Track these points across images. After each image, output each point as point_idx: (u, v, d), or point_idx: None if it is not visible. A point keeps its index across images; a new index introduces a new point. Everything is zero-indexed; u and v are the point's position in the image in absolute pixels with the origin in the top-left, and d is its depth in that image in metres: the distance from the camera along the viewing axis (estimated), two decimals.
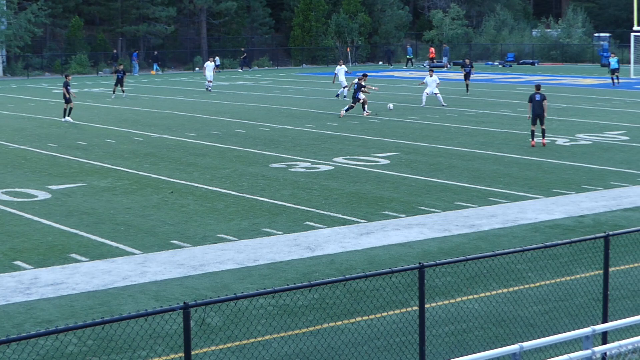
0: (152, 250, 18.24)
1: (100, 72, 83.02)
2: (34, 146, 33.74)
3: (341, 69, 54.57)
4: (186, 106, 49.73)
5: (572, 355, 9.23)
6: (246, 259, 17.50)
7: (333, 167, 28.20)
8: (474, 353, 9.24)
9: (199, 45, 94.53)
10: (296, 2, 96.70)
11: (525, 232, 19.64)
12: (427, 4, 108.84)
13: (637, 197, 23.27)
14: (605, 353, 10.27)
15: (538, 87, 33.71)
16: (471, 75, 56.36)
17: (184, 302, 8.79)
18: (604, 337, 11.65)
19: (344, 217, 21.16)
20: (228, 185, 25.38)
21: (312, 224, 20.47)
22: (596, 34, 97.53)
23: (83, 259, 17.60)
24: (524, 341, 9.39)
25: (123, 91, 55.83)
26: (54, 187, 25.24)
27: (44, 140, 35.31)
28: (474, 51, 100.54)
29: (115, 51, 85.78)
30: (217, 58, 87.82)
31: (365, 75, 45.47)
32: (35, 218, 21.27)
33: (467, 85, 55.26)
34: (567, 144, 33.18)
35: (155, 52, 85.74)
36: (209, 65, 60.47)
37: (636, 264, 16.80)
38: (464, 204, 22.48)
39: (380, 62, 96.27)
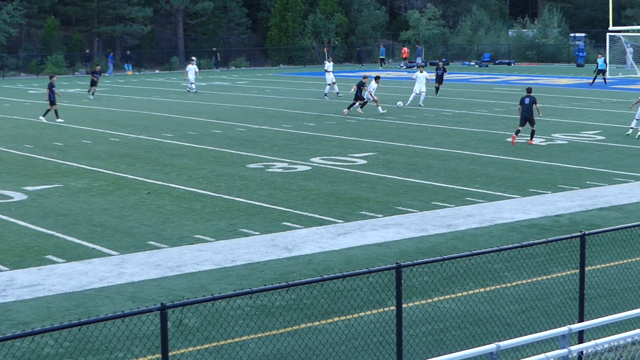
0: (129, 251, 18.19)
1: (76, 73, 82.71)
2: (10, 147, 33.57)
3: (330, 65, 54.30)
4: (163, 106, 49.62)
5: (548, 354, 9.25)
6: (223, 260, 17.48)
7: (310, 168, 28.20)
8: (451, 352, 9.25)
9: (175, 46, 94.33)
10: (273, 2, 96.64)
11: (502, 232, 19.70)
12: (404, 4, 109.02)
13: (613, 197, 23.39)
14: (581, 352, 10.30)
15: (529, 90, 34.24)
16: (443, 79, 54.76)
17: (161, 303, 8.77)
18: (580, 336, 11.70)
19: (321, 217, 21.17)
20: (205, 185, 25.34)
21: (289, 224, 20.46)
22: (572, 34, 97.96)
23: (59, 260, 17.53)
24: (500, 340, 9.41)
25: (93, 92, 55.30)
26: (29, 188, 25.13)
27: (20, 141, 35.15)
28: (450, 51, 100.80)
29: (88, 51, 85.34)
30: (194, 59, 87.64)
31: (378, 78, 45.59)
32: (11, 219, 21.17)
33: (437, 88, 53.54)
34: (544, 143, 33.31)
35: (128, 52, 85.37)
36: (191, 67, 60.13)
37: (612, 263, 16.88)
38: (441, 204, 22.53)
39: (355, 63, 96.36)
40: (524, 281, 15.77)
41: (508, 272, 16.25)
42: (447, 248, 18.24)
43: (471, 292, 15.16)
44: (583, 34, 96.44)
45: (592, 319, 11.26)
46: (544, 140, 34.18)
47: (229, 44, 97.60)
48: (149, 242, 18.86)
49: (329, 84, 53.27)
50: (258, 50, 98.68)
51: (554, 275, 16.08)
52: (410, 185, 25.22)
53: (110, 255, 17.91)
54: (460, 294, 15.05)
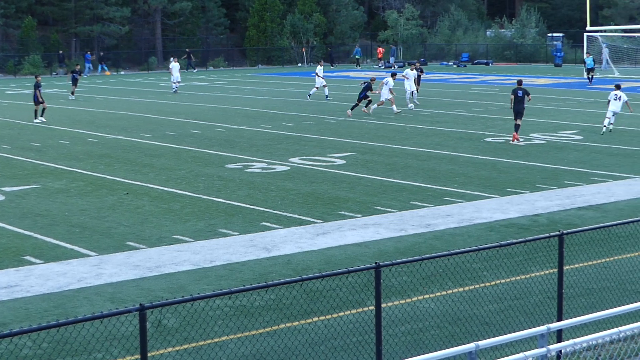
0: (107, 251, 18.13)
1: (54, 73, 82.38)
2: None
3: (321, 69, 54.09)
4: (141, 107, 49.50)
5: (527, 353, 9.28)
6: (202, 260, 17.45)
7: (289, 168, 28.19)
8: (430, 352, 9.27)
9: (153, 46, 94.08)
10: (251, 2, 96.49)
11: (480, 232, 19.74)
12: (382, 4, 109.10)
13: (590, 196, 23.49)
14: (560, 351, 10.34)
15: (520, 82, 34.78)
16: (420, 79, 54.14)
17: (140, 304, 8.75)
18: (559, 335, 11.74)
19: (300, 217, 21.17)
20: (184, 186, 25.30)
21: (268, 224, 20.45)
22: (549, 34, 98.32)
23: (37, 261, 17.45)
24: (479, 340, 9.43)
25: (72, 92, 55.06)
26: (7, 189, 25.01)
27: None
28: (428, 51, 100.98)
29: (61, 52, 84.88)
30: (172, 59, 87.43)
31: (394, 75, 45.63)
32: None
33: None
34: (522, 143, 33.40)
35: (102, 53, 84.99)
36: (175, 66, 59.87)
37: (590, 263, 16.95)
38: (420, 204, 22.57)
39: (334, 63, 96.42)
40: (503, 280, 15.81)
41: (487, 272, 16.29)
42: (425, 248, 18.27)
43: (450, 291, 15.19)
44: (561, 34, 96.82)
45: (571, 318, 11.30)
46: (522, 139, 34.26)
47: (207, 44, 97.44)
48: (127, 243, 18.81)
49: (317, 87, 52.93)
50: (236, 51, 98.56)
51: (533, 274, 16.13)
52: (389, 185, 25.25)
53: (88, 256, 17.86)
54: (439, 294, 15.07)
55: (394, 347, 12.59)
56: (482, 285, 15.57)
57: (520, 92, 33.98)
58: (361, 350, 12.35)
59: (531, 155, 30.37)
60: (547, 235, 12.13)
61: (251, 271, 16.74)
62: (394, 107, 43.91)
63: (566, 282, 12.96)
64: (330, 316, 13.66)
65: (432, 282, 15.54)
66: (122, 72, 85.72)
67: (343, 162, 29.26)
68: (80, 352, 12.31)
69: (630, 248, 17.91)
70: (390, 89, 43.95)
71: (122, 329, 11.88)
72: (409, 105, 45.83)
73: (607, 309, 11.01)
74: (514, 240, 12.07)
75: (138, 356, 9.08)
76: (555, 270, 12.29)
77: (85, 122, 41.75)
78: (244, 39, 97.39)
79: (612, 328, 10.13)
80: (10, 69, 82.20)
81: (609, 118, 36.32)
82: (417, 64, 55.40)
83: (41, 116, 42.58)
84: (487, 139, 34.54)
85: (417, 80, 52.81)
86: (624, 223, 13.45)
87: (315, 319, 13.70)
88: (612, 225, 13.39)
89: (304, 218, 21.07)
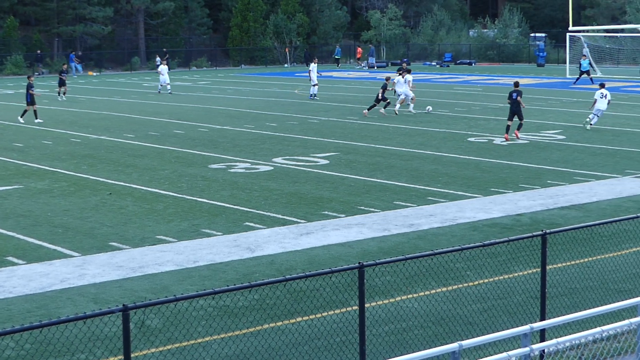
0: (90, 252, 18.09)
1: (36, 73, 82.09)
2: None
3: (315, 67, 53.92)
4: (124, 107, 49.39)
5: (510, 353, 9.30)
6: (186, 260, 17.42)
7: (272, 168, 28.18)
8: (413, 352, 9.27)
9: (136, 46, 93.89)
10: (234, 2, 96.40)
11: (463, 231, 19.78)
12: (365, 4, 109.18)
13: (573, 196, 23.56)
14: (543, 350, 10.38)
15: (516, 84, 35.43)
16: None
17: (123, 304, 8.73)
18: (542, 335, 11.77)
19: (284, 217, 21.16)
20: (167, 186, 25.26)
21: (251, 224, 20.44)
22: (532, 34, 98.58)
23: (20, 262, 17.39)
24: (463, 339, 9.45)
25: (59, 93, 54.83)
26: None
27: None
28: (411, 51, 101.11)
29: (39, 52, 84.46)
30: (158, 58, 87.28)
31: (409, 71, 45.61)
32: None
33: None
34: (505, 143, 33.47)
35: (79, 53, 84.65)
36: (164, 68, 59.63)
37: (573, 262, 17.00)
38: (403, 204, 22.59)
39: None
40: (486, 280, 15.84)
41: (470, 271, 16.32)
42: (409, 247, 18.29)
43: (433, 291, 15.21)
44: (543, 34, 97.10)
45: (554, 317, 11.33)
46: (505, 139, 34.32)
47: (190, 44, 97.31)
48: (110, 243, 18.76)
49: (315, 84, 52.78)
50: (219, 51, 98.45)
51: (516, 274, 16.17)
52: (373, 185, 25.27)
53: (71, 256, 17.80)
54: (422, 294, 15.09)
55: (377, 347, 12.60)
56: (466, 285, 15.60)
57: (515, 94, 34.66)
58: (345, 350, 12.35)
59: (514, 155, 30.44)
60: (530, 234, 12.16)
61: (235, 271, 16.73)
62: (398, 105, 43.94)
63: (549, 281, 13.00)
64: (313, 316, 13.66)
65: (415, 282, 15.55)
66: (101, 73, 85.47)
67: (326, 162, 29.27)
68: (63, 353, 12.28)
69: (612, 247, 17.98)
70: (411, 86, 44.25)
71: (105, 330, 11.86)
72: (428, 108, 45.34)
73: (589, 309, 11.04)
74: (497, 240, 12.10)
75: (121, 357, 9.06)
76: (538, 269, 12.32)
77: (68, 123, 41.63)
78: (227, 39, 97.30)
79: (595, 327, 10.16)
80: None
81: (597, 116, 37.44)
82: (404, 65, 55.23)
83: (21, 117, 42.33)
84: (470, 139, 34.61)
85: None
86: (606, 222, 13.49)
87: (299, 319, 13.70)
88: (594, 225, 13.43)
89: (288, 218, 21.07)
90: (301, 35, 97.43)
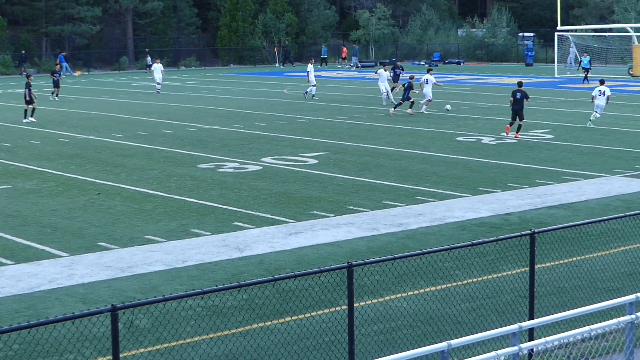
0: (79, 252, 18.05)
1: (24, 73, 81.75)
2: None
3: (312, 67, 53.81)
4: (112, 107, 49.30)
5: (499, 352, 9.31)
6: (174, 260, 17.40)
7: (261, 167, 28.17)
8: (402, 351, 9.28)
9: (125, 46, 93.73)
10: (223, 2, 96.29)
11: (452, 231, 19.80)
12: (354, 3, 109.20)
13: (561, 195, 23.60)
14: (532, 349, 10.39)
15: (520, 84, 35.89)
16: (399, 78, 53.64)
17: (112, 305, 8.72)
18: (531, 334, 11.79)
19: (273, 217, 21.15)
20: (156, 186, 25.22)
21: (240, 224, 20.42)
22: (520, 34, 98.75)
23: (8, 262, 17.35)
24: (452, 339, 9.45)
25: (52, 92, 54.51)
26: None
27: None
28: (400, 51, 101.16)
29: (24, 52, 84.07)
30: (149, 58, 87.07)
31: (430, 69, 46.01)
32: None
33: (393, 88, 52.48)
34: (493, 142, 33.53)
35: (64, 53, 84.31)
36: (157, 67, 59.49)
37: (561, 261, 17.04)
38: (392, 203, 22.60)
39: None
40: (475, 279, 15.86)
41: (459, 271, 16.34)
42: (398, 247, 18.30)
43: (422, 290, 15.22)
44: (532, 34, 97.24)
45: (542, 316, 11.35)
46: (494, 139, 34.41)
47: (179, 44, 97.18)
48: (99, 243, 18.73)
49: (314, 85, 52.65)
50: (208, 50, 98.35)
51: (504, 273, 16.19)
52: (361, 184, 25.27)
53: (59, 256, 17.77)
54: (411, 293, 15.10)
55: (366, 346, 12.61)
56: (454, 284, 15.62)
57: (519, 94, 35.01)
58: (334, 350, 12.35)
59: (502, 154, 30.49)
60: (518, 234, 12.18)
61: (223, 271, 16.72)
62: (425, 107, 44.28)
63: (537, 280, 13.02)
64: (302, 316, 13.66)
65: (404, 282, 15.57)
66: (90, 73, 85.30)
67: (315, 161, 29.27)
68: (51, 354, 12.25)
69: (601, 246, 18.02)
70: (436, 83, 44.65)
71: (94, 330, 11.84)
72: (447, 107, 45.38)
73: (578, 308, 11.05)
74: (486, 239, 12.11)
75: (110, 357, 9.04)
76: (527, 269, 12.34)
77: (56, 122, 41.54)
78: (216, 38, 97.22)
79: (584, 326, 10.18)
80: None
81: (597, 112, 38.16)
82: (398, 63, 55.05)
83: (31, 116, 42.29)
84: (458, 138, 34.66)
85: (397, 78, 52.32)
86: (594, 222, 13.51)
87: (288, 318, 13.70)
88: (583, 224, 13.44)
89: (277, 218, 21.06)
90: (290, 35, 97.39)
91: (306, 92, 52.76)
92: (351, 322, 10.47)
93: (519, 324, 9.89)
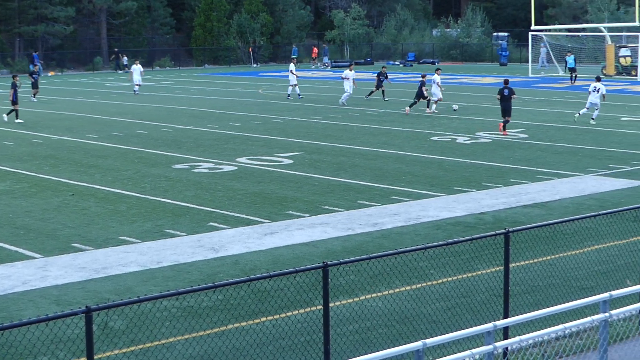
0: (52, 254, 17.96)
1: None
2: None
3: (294, 67, 53.69)
4: (86, 107, 49.11)
5: (474, 350, 9.33)
6: (149, 261, 17.35)
7: (236, 168, 28.13)
8: (378, 351, 9.28)
9: (99, 46, 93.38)
10: (197, 2, 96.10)
11: (427, 230, 19.83)
12: (329, 4, 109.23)
13: (536, 194, 23.69)
14: (506, 348, 10.42)
15: (506, 81, 36.74)
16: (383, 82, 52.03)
17: (86, 306, 8.68)
18: (505, 332, 11.83)
19: (248, 217, 21.13)
20: (130, 186, 25.14)
21: (216, 224, 20.39)
22: (495, 34, 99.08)
23: None
24: (427, 338, 9.47)
25: (33, 94, 53.90)
26: None
27: None
28: (375, 51, 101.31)
29: None
30: (125, 58, 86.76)
31: (439, 69, 46.59)
32: None
33: (382, 92, 51.47)
34: (468, 142, 33.62)
35: (35, 53, 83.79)
36: (136, 68, 59.21)
37: (536, 260, 17.10)
38: (367, 203, 22.62)
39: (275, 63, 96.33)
40: (449, 279, 15.89)
41: (433, 270, 16.37)
42: (373, 246, 18.31)
43: (397, 290, 15.24)
44: (506, 34, 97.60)
45: (517, 315, 11.38)
46: (468, 138, 34.51)
47: (153, 44, 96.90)
48: (73, 245, 18.65)
49: (292, 85, 52.52)
50: (183, 50, 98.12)
51: (479, 272, 16.23)
52: (337, 184, 25.28)
53: (33, 258, 17.68)
54: (386, 292, 15.12)
55: (341, 346, 12.61)
56: (429, 283, 15.64)
57: (506, 91, 35.72)
58: (309, 350, 12.35)
59: (477, 154, 30.57)
60: (493, 233, 12.21)
61: (199, 272, 16.68)
62: (434, 106, 44.73)
63: (512, 279, 13.05)
64: (278, 316, 13.65)
65: (379, 281, 15.58)
66: (64, 73, 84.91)
67: (290, 161, 29.26)
68: (25, 356, 12.19)
69: (575, 245, 18.10)
70: (438, 84, 44.93)
71: (68, 332, 11.78)
72: (454, 106, 45.58)
73: (552, 306, 11.09)
74: (461, 239, 12.14)
75: (84, 359, 8.99)
76: (501, 267, 12.38)
77: (29, 123, 41.33)
78: (191, 38, 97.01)
79: (558, 325, 10.22)
80: None
81: (587, 108, 39.13)
82: (384, 68, 54.54)
83: (14, 117, 42.03)
84: (433, 138, 34.74)
85: (379, 85, 51.68)
86: (568, 220, 13.56)
87: (264, 319, 13.69)
88: (557, 223, 13.49)
89: (252, 218, 21.04)
90: (265, 35, 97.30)
91: (289, 95, 52.54)
92: (326, 322, 10.47)
93: (493, 322, 9.91)
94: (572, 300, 11.52)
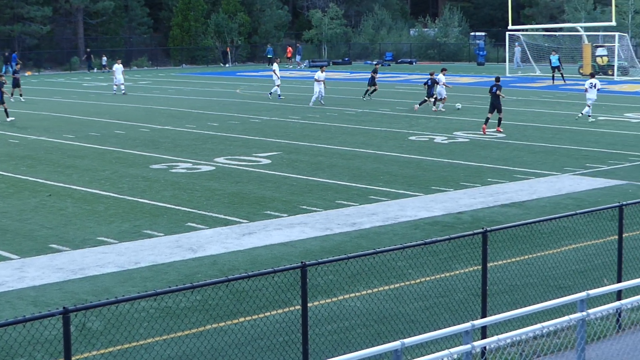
0: (30, 254, 17.89)
1: None
2: None
3: (277, 67, 53.57)
4: (64, 107, 48.92)
5: (452, 350, 9.36)
6: (127, 262, 17.31)
7: (214, 168, 28.09)
8: (356, 350, 9.29)
9: (76, 46, 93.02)
10: (175, 1, 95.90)
11: (405, 230, 19.86)
12: (306, 3, 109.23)
13: (513, 193, 23.76)
14: (484, 347, 10.45)
15: (497, 79, 37.32)
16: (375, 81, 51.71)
17: (64, 307, 8.65)
18: (483, 332, 11.86)
19: (226, 217, 21.10)
20: (108, 187, 25.07)
21: (194, 225, 20.35)
22: (472, 33, 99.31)
23: None
24: (405, 338, 9.48)
25: (20, 95, 53.49)
26: None
27: None
28: (353, 50, 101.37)
29: None
30: (104, 58, 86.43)
31: (444, 70, 46.77)
32: None
33: (374, 90, 51.46)
34: (445, 141, 33.69)
35: (6, 53, 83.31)
36: (118, 68, 58.94)
37: (513, 259, 17.16)
38: (345, 203, 22.63)
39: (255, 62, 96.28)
40: (428, 278, 15.92)
41: (412, 270, 16.39)
42: (351, 246, 18.33)
43: (375, 290, 15.26)
44: (483, 33, 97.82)
45: (495, 314, 11.41)
46: (446, 138, 34.58)
47: (131, 44, 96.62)
48: (50, 245, 18.58)
49: (278, 84, 52.41)
50: (160, 50, 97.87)
51: (457, 272, 16.27)
52: (315, 184, 25.29)
53: (10, 259, 17.60)
54: (364, 292, 15.13)
55: (320, 346, 12.62)
56: (407, 283, 15.66)
57: (494, 89, 36.19)
58: (288, 350, 12.35)
59: (455, 154, 30.64)
60: (470, 232, 12.24)
61: (177, 272, 16.65)
62: (441, 104, 45.07)
63: (490, 279, 13.10)
64: (256, 316, 13.65)
65: (357, 281, 15.60)
66: (40, 73, 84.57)
67: (268, 161, 29.24)
68: (2, 357, 12.13)
69: (552, 244, 18.18)
70: (444, 83, 45.17)
71: (45, 333, 11.72)
72: (457, 105, 45.84)
73: (530, 305, 11.13)
74: (439, 238, 12.17)
75: None
76: (479, 267, 12.41)
77: (6, 123, 41.13)
78: (168, 38, 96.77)
79: (536, 324, 10.26)
80: None
81: (589, 106, 39.72)
82: (377, 66, 54.93)
83: (4, 116, 41.89)
84: (411, 138, 34.79)
85: (373, 81, 51.62)
86: (546, 220, 13.62)
87: (242, 319, 13.68)
88: (534, 222, 13.54)
89: (230, 218, 21.02)
90: (242, 35, 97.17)
91: (271, 93, 52.57)
92: (305, 322, 10.47)
93: (471, 322, 9.94)
94: (550, 300, 11.57)
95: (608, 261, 16.27)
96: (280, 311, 14.04)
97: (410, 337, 9.63)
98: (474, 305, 13.67)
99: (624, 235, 14.20)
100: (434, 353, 9.45)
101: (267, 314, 13.80)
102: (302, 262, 10.32)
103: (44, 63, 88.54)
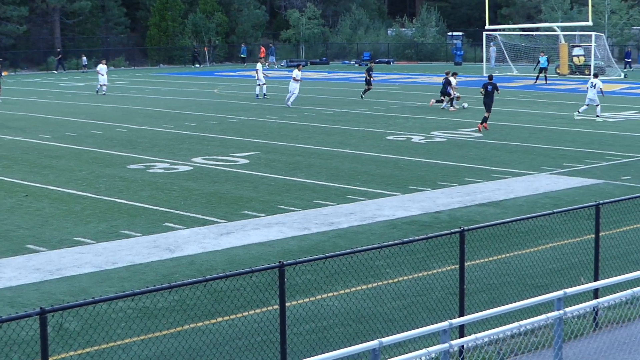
0: (6, 255, 17.80)
1: None
2: None
3: (261, 67, 53.47)
4: (40, 107, 48.72)
5: (430, 349, 9.37)
6: (104, 262, 17.25)
7: (192, 168, 28.04)
8: (334, 350, 9.30)
9: (52, 46, 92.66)
10: (152, 1, 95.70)
11: (383, 229, 19.88)
12: (284, 3, 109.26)
13: (490, 193, 23.83)
14: (462, 346, 10.47)
15: (490, 77, 38.48)
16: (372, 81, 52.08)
17: (41, 308, 8.61)
18: (461, 331, 11.89)
19: (204, 217, 21.07)
20: (85, 187, 24.98)
21: (171, 225, 20.31)
22: (449, 33, 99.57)
23: None
24: (383, 337, 9.49)
25: None
26: None
27: None
28: (330, 50, 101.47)
29: None
30: (84, 58, 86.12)
31: (455, 73, 47.07)
32: None
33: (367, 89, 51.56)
34: (423, 141, 33.75)
35: None
36: (103, 68, 58.71)
37: (491, 258, 17.21)
38: (323, 202, 22.64)
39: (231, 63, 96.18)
40: (405, 277, 15.94)
41: (389, 269, 16.41)
42: (329, 246, 18.34)
43: (353, 289, 15.27)
44: (460, 33, 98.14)
45: (472, 313, 11.44)
46: (423, 137, 34.64)
47: (108, 44, 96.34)
48: (27, 246, 18.50)
49: (262, 84, 52.30)
50: (137, 50, 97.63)
51: (435, 271, 16.29)
52: (292, 184, 25.28)
53: None
54: (342, 292, 15.14)
55: (298, 345, 12.62)
56: (385, 282, 15.68)
57: (489, 87, 36.97)
58: (266, 350, 12.34)
59: (432, 153, 30.70)
60: (448, 232, 12.26)
61: (154, 272, 16.61)
62: (444, 103, 45.72)
63: (467, 278, 13.12)
64: (234, 316, 13.63)
65: (335, 280, 15.60)
66: (17, 73, 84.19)
67: (246, 161, 29.21)
68: None
69: (529, 243, 18.24)
70: (453, 86, 45.62)
71: (22, 334, 11.67)
72: (463, 105, 46.18)
73: (507, 304, 11.18)
74: (416, 238, 12.18)
75: None
76: (457, 266, 12.44)
77: None
78: (145, 38, 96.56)
79: (513, 322, 10.29)
80: None
81: (587, 105, 40.35)
82: (372, 64, 55.00)
83: None
84: (388, 137, 34.83)
85: (368, 81, 51.49)
86: (523, 219, 13.67)
87: (220, 319, 13.66)
88: (511, 221, 13.57)
89: (208, 218, 20.99)
90: (220, 35, 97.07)
91: (257, 95, 52.38)
92: (283, 322, 10.47)
93: (449, 321, 9.96)
94: (527, 298, 11.61)
95: (585, 260, 16.32)
96: (258, 311, 14.03)
97: (388, 336, 9.64)
98: (451, 304, 13.70)
99: (600, 234, 14.27)
100: (412, 352, 9.47)
101: (245, 313, 13.79)
102: (279, 262, 10.32)
103: (20, 63, 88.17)
